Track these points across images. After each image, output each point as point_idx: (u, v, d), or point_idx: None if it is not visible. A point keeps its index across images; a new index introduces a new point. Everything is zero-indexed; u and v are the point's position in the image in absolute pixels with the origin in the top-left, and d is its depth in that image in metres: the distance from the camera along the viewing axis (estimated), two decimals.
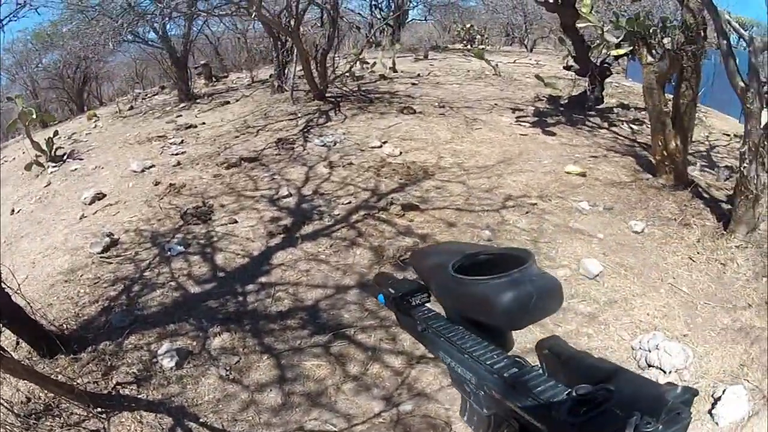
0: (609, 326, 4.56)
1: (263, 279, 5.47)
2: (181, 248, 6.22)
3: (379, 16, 19.07)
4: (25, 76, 21.32)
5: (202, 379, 4.44)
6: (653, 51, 6.82)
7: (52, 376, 4.41)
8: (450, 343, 0.98)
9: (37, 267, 6.71)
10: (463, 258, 0.95)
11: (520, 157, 7.57)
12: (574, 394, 0.68)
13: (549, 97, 10.40)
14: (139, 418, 4.15)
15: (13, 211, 9.19)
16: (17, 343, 5.06)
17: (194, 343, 4.78)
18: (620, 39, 7.56)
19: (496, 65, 12.61)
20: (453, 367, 0.96)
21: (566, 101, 10.08)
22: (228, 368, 4.49)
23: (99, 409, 4.20)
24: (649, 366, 4.24)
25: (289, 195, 6.95)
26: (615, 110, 9.98)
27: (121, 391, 4.40)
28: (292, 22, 11.01)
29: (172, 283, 5.65)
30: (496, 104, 10.15)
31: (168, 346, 4.71)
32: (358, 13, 19.87)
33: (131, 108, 15.39)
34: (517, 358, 0.87)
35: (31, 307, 4.93)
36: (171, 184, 7.93)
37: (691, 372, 4.20)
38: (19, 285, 4.88)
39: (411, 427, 3.73)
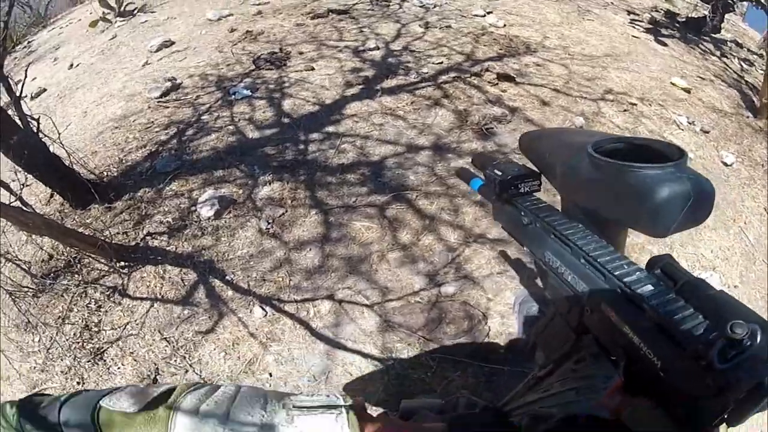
0: (673, 251, 4.21)
1: (331, 128, 5.19)
2: (247, 92, 5.97)
3: None
4: None
5: (240, 231, 4.26)
6: None
7: (80, 228, 4.36)
8: (563, 242, 0.88)
9: (88, 116, 6.58)
10: (604, 140, 0.83)
11: (628, 56, 7.10)
12: (728, 332, 0.57)
13: (666, 11, 9.78)
14: (161, 273, 4.04)
15: (71, 65, 8.99)
16: (51, 196, 5.01)
17: (240, 192, 4.60)
18: None
19: None
20: (560, 272, 0.88)
21: (684, 20, 9.48)
22: (270, 221, 4.28)
23: (122, 264, 4.11)
24: None
25: (377, 48, 6.54)
26: (729, 44, 9.37)
27: (150, 243, 4.29)
28: None
29: (230, 127, 5.46)
30: (611, 2, 9.59)
31: (211, 194, 4.53)
32: None
33: None
34: (650, 273, 0.77)
35: (70, 156, 4.81)
36: (247, 31, 7.68)
37: None
38: (59, 134, 4.78)
39: (446, 313, 3.48)
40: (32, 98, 7.50)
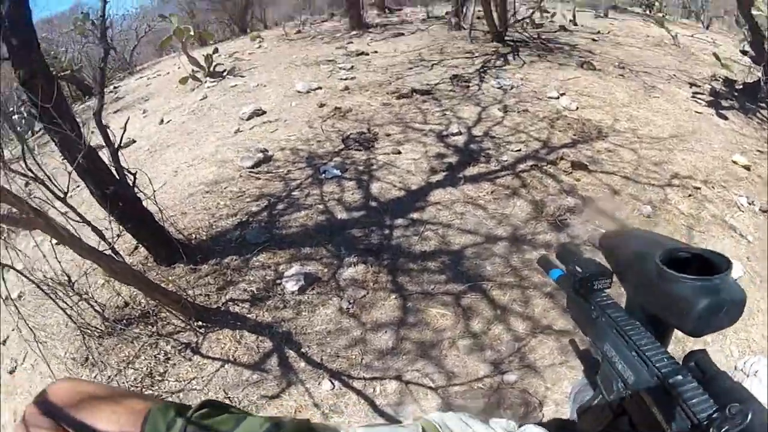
0: (726, 338, 4.34)
1: (415, 215, 5.43)
2: (337, 172, 6.24)
3: None
4: None
5: (321, 308, 4.46)
6: None
7: (163, 284, 4.51)
8: (622, 336, 0.99)
9: (179, 176, 6.94)
10: (667, 251, 0.94)
11: (692, 135, 7.33)
12: (727, 412, 0.72)
13: (725, 79, 9.91)
14: (238, 337, 4.26)
15: (162, 121, 9.56)
16: (135, 247, 5.27)
17: (325, 270, 4.79)
18: None
19: (676, 35, 12.17)
20: (614, 361, 0.98)
21: (741, 86, 9.60)
22: (351, 301, 4.48)
23: (199, 323, 4.34)
24: None
25: (459, 133, 6.89)
26: None
27: (231, 308, 4.50)
28: None
29: (320, 206, 5.69)
30: (674, 75, 9.81)
31: (297, 269, 4.73)
32: None
33: (298, 32, 15.57)
34: (680, 364, 0.88)
35: (162, 213, 5.13)
36: (336, 108, 8.01)
37: None
38: (154, 191, 5.04)
39: (505, 399, 3.67)
40: (122, 148, 8.07)
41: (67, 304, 4.25)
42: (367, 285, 4.63)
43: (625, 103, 8.21)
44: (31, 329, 4.02)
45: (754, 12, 8.18)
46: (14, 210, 3.50)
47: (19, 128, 13.20)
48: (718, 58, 9.82)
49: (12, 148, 9.09)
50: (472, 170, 6.13)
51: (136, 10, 23.09)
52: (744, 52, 10.01)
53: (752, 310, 4.64)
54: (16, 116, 13.91)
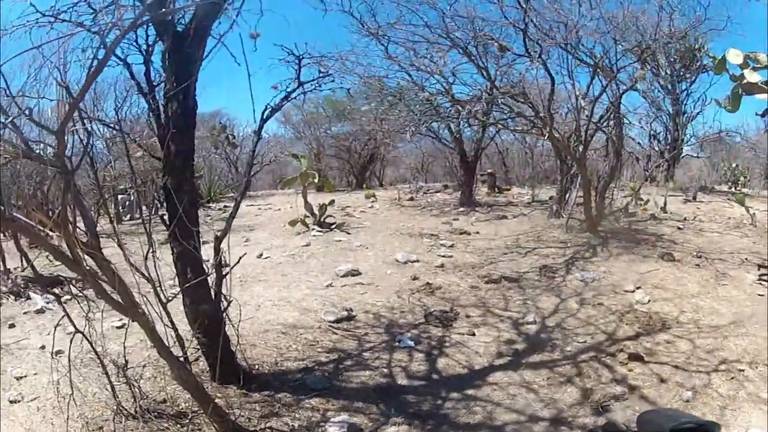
0: None
1: (470, 391, 5.75)
2: (411, 343, 6.65)
3: (656, 148, 19.00)
4: (311, 137, 22.64)
5: None
6: None
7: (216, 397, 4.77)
8: None
9: (261, 310, 7.39)
10: (674, 426, 1.18)
11: (750, 320, 7.54)
12: None
13: None
14: None
15: (261, 255, 10.23)
16: (197, 359, 5.56)
17: (370, 425, 5.03)
18: None
19: (754, 214, 12.39)
20: None
21: None
22: None
23: None
24: None
25: (534, 322, 7.48)
26: None
27: None
28: (580, 148, 11.48)
29: (385, 370, 6.05)
30: (746, 258, 10.10)
31: (343, 418, 4.94)
32: (638, 143, 19.66)
33: (411, 199, 16.36)
34: None
35: (239, 340, 5.42)
36: (428, 283, 8.69)
37: None
38: (239, 320, 5.31)
39: None
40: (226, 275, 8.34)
41: (111, 381, 4.64)
42: None
43: (694, 294, 8.55)
44: (70, 382, 4.36)
45: None
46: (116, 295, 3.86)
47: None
48: None
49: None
50: (535, 357, 6.57)
51: (267, 136, 23.77)
52: None
53: None
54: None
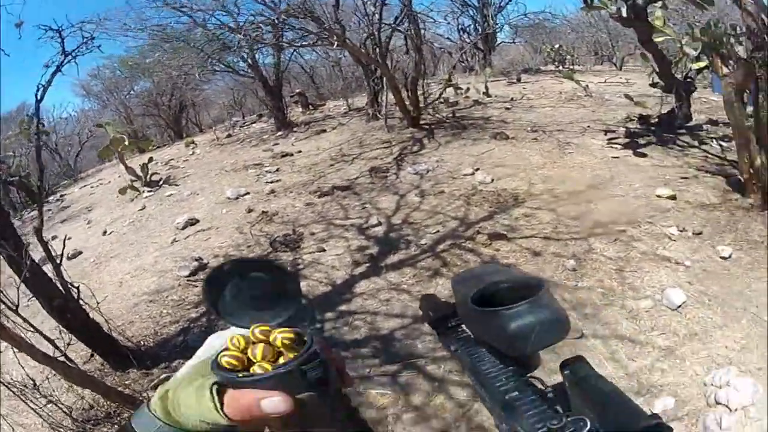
0: (685, 360, 4.35)
1: (343, 307, 5.55)
2: None
3: (468, 40, 19.10)
4: (117, 103, 22.11)
5: None
6: (728, 61, 6.41)
7: (120, 388, 4.70)
8: (472, 364, 1.05)
9: (123, 287, 7.10)
10: (483, 288, 1.00)
11: (611, 182, 7.45)
12: (565, 422, 0.73)
13: (640, 117, 10.15)
14: None
15: (105, 232, 9.72)
16: (91, 355, 5.42)
17: None
18: (699, 51, 7.31)
19: (587, 86, 12.45)
20: (474, 385, 1.04)
21: (656, 120, 9.83)
22: None
23: None
24: (717, 404, 3.96)
25: (379, 224, 7.05)
26: (704, 127, 9.63)
27: None
28: (378, 50, 11.17)
29: None
30: (588, 126, 10.05)
31: None
32: (447, 38, 19.97)
33: (229, 136, 15.96)
34: (531, 380, 0.94)
35: (108, 324, 5.30)
36: (263, 212, 8.22)
37: (757, 408, 3.86)
38: (98, 303, 5.23)
39: None
40: (68, 259, 7.89)
41: (38, 405, 4.37)
42: None
43: (540, 166, 8.38)
44: (10, 425, 4.28)
45: (657, 38, 8.22)
46: None
47: None
48: (629, 98, 9.93)
49: None
50: (393, 258, 6.23)
51: (76, 114, 23.52)
52: (653, 85, 10.06)
53: (707, 329, 4.65)
54: None
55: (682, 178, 7.48)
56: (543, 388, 0.91)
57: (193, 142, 15.92)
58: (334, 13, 10.63)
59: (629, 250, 5.77)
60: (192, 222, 8.63)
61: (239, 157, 12.51)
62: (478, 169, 8.42)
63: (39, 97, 5.57)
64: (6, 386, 4.28)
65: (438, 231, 6.60)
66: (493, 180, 7.94)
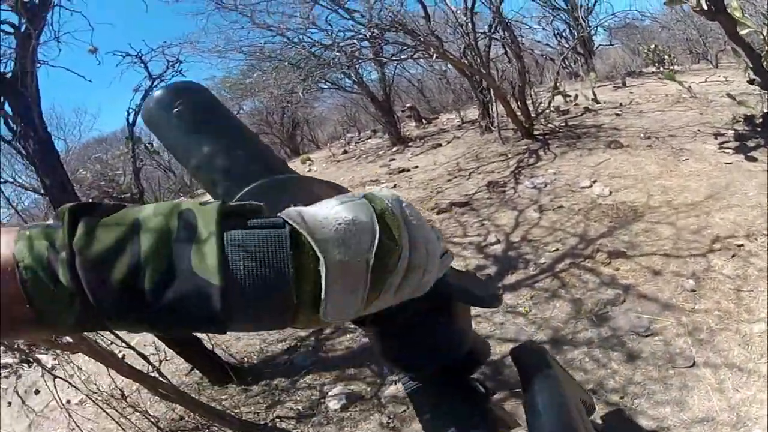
0: None
1: None
2: None
3: (566, 45, 18.72)
4: None
5: (362, 423, 4.59)
6: None
7: (214, 403, 4.94)
8: None
9: None
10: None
11: (727, 190, 7.17)
12: None
13: (745, 117, 9.69)
14: None
15: None
16: (191, 368, 5.66)
17: (368, 389, 4.95)
18: None
19: (689, 87, 11.58)
20: None
21: (761, 119, 9.34)
22: (392, 416, 4.57)
23: None
24: None
25: (498, 242, 6.98)
26: None
27: (278, 424, 4.74)
28: (480, 60, 11.06)
29: None
30: (698, 130, 9.78)
31: (340, 389, 4.93)
32: (546, 44, 19.72)
33: (345, 152, 16.08)
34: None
35: (210, 340, 5.42)
36: None
37: None
38: None
39: None
40: None
41: (122, 415, 4.50)
42: (407, 401, 4.56)
43: (657, 175, 8.18)
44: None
45: (741, 31, 7.65)
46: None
47: None
48: (732, 97, 9.43)
49: None
50: (510, 278, 6.19)
51: None
52: (751, 81, 9.26)
53: None
54: None
55: None
56: None
57: (309, 159, 16.17)
58: (426, 25, 10.77)
59: (747, 266, 5.52)
60: None
61: (356, 173, 12.66)
62: (595, 181, 8.29)
63: (131, 121, 5.64)
64: (87, 396, 4.58)
65: (557, 249, 6.51)
66: (611, 192, 7.80)
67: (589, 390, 4.37)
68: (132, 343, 4.78)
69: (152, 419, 4.68)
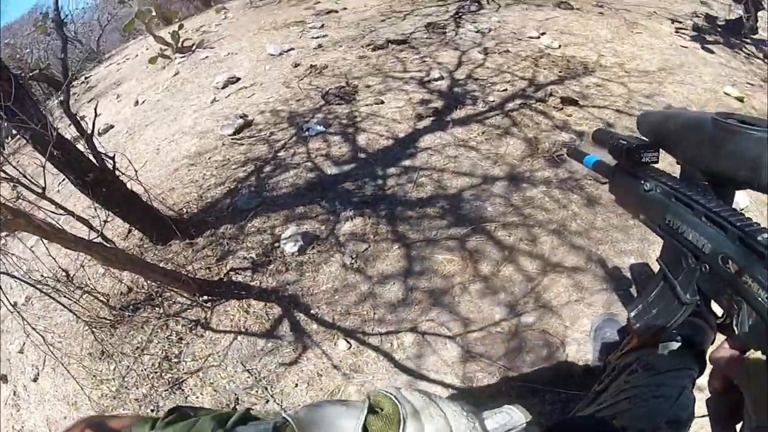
0: None
1: (407, 162, 5.23)
2: (320, 128, 6.02)
3: None
4: None
5: (324, 266, 4.30)
6: None
7: (161, 263, 4.45)
8: (686, 204, 0.92)
9: (161, 153, 6.82)
10: (722, 113, 0.87)
11: (680, 69, 7.11)
12: None
13: (706, 15, 9.71)
14: (246, 307, 4.13)
15: (137, 102, 9.39)
16: (129, 231, 5.17)
17: (322, 228, 4.64)
18: None
19: None
20: (681, 232, 0.90)
21: (723, 23, 9.39)
22: (354, 256, 4.31)
23: (205, 297, 4.22)
24: None
25: (441, 78, 6.67)
26: None
27: (233, 278, 4.38)
28: None
29: (308, 164, 5.50)
30: (654, 12, 9.61)
31: (293, 230, 4.58)
32: None
33: None
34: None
35: (148, 193, 4.97)
36: (312, 66, 7.84)
37: None
38: (136, 171, 4.88)
39: (526, 342, 3.52)
40: (100, 134, 7.81)
41: (72, 300, 4.21)
42: (368, 237, 4.47)
43: (608, 40, 8.02)
44: (39, 333, 3.92)
45: None
46: None
47: None
48: None
49: None
50: (459, 113, 5.91)
51: (95, 1, 23.05)
52: None
53: None
54: None
55: (749, 83, 7.18)
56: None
57: (224, 8, 15.24)
58: None
59: None
60: (233, 80, 8.32)
61: (278, 17, 11.95)
62: (544, 33, 8.05)
63: None
64: (33, 286, 4.00)
65: (506, 89, 6.26)
66: (560, 46, 7.59)
67: (552, 230, 4.32)
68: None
69: (103, 298, 4.40)
